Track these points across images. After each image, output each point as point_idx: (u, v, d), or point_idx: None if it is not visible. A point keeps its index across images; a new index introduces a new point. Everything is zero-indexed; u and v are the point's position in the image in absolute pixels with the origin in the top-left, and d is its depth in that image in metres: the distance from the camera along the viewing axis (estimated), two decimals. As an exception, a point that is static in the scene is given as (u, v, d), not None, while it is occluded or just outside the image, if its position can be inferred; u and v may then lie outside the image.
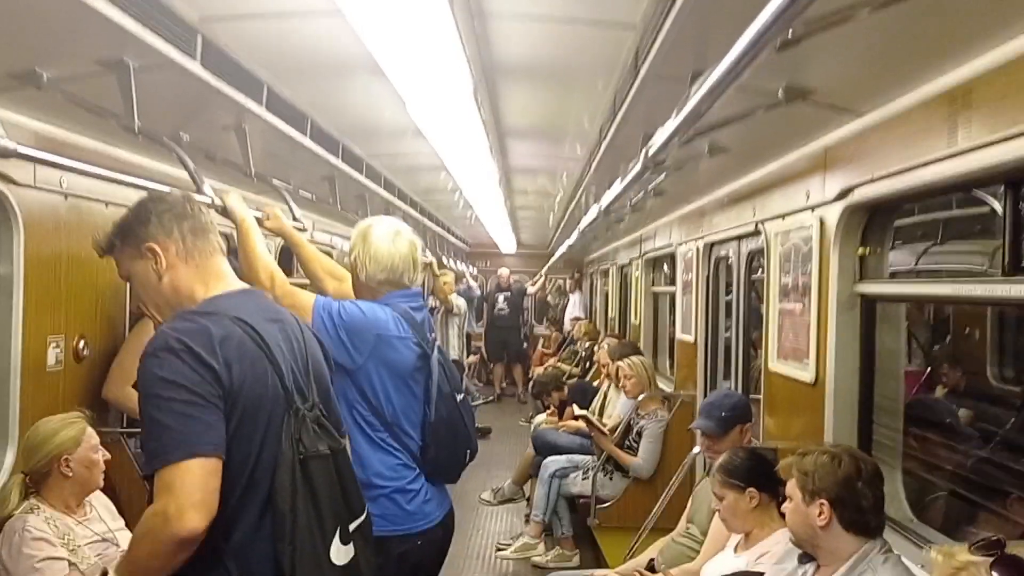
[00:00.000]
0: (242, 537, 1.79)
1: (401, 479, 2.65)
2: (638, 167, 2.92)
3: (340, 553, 1.87)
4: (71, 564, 2.71)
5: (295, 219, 4.12)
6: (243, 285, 2.05)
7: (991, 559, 1.58)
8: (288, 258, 5.43)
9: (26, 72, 2.55)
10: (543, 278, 14.61)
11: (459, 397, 2.82)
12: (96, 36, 2.36)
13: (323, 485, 1.86)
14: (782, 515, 2.54)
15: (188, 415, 1.70)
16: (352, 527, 1.93)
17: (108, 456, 2.92)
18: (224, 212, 2.88)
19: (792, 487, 2.39)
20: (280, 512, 1.78)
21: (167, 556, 1.69)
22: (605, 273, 11.52)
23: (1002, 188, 2.29)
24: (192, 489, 1.67)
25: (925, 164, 2.42)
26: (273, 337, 1.91)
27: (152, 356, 1.75)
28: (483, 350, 13.35)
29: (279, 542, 1.78)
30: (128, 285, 3.59)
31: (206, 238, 2.00)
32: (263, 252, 2.73)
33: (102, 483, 2.91)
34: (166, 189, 2.90)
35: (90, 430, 2.85)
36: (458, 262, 13.28)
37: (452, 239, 12.21)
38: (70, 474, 2.78)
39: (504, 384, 13.13)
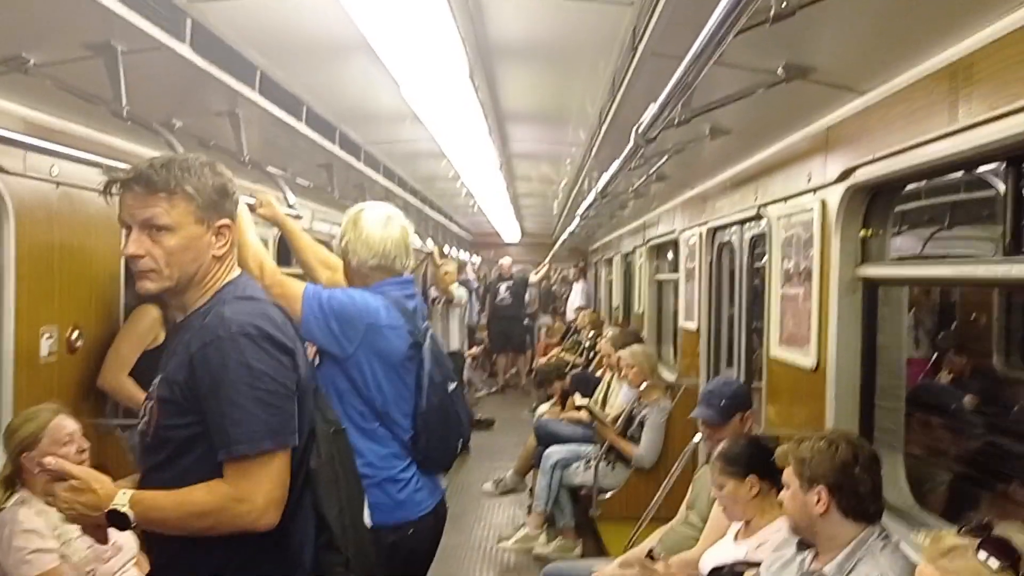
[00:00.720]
0: (289, 509, 1.81)
1: (391, 468, 2.63)
2: (630, 145, 2.87)
3: (368, 517, 2.04)
4: (62, 557, 2.69)
5: (289, 206, 4.09)
6: (245, 268, 2.09)
7: (977, 541, 1.55)
8: (286, 248, 5.42)
9: (12, 57, 2.52)
10: (547, 267, 14.56)
11: (451, 387, 2.78)
12: (82, 19, 2.33)
13: (347, 456, 2.00)
14: (782, 503, 2.50)
15: (273, 404, 1.73)
16: None
17: (85, 447, 2.81)
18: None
19: (789, 474, 2.35)
20: (327, 482, 1.88)
21: (224, 532, 1.72)
22: (609, 262, 11.47)
23: (1003, 166, 2.24)
24: (277, 484, 1.73)
25: (926, 142, 2.37)
26: None
27: (230, 341, 1.73)
28: (486, 340, 13.31)
29: (329, 510, 1.87)
30: (123, 274, 3.63)
31: None
32: (254, 240, 2.68)
33: None
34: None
35: (56, 424, 2.74)
36: (460, 252, 13.24)
37: (455, 228, 12.17)
38: (36, 471, 2.70)
39: (508, 375, 13.10)
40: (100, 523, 1.74)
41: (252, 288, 1.94)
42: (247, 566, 1.80)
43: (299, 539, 1.85)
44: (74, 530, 2.76)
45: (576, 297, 14.10)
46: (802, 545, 2.40)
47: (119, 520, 1.71)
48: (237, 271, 1.97)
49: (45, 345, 3.18)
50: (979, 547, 1.54)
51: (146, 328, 3.59)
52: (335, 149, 4.60)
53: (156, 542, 1.90)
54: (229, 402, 1.70)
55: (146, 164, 1.80)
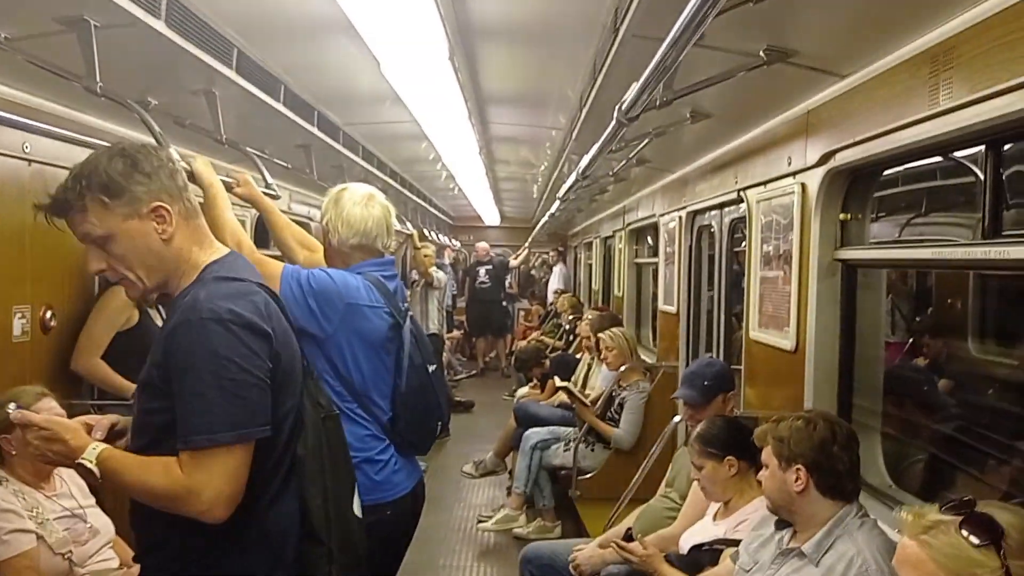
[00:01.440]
0: (271, 497, 1.80)
1: (370, 450, 2.61)
2: (612, 123, 2.87)
3: (357, 507, 1.97)
4: (39, 538, 2.66)
5: (267, 186, 4.05)
6: (223, 246, 1.97)
7: (960, 518, 1.56)
8: (264, 230, 5.37)
9: (-18, 31, 2.46)
10: (526, 251, 14.55)
11: (431, 368, 2.77)
12: (54, -10, 2.29)
13: (338, 443, 1.95)
14: (760, 483, 2.52)
15: (237, 395, 1.66)
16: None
17: None
18: (191, 178, 2.80)
19: (768, 454, 2.36)
20: (312, 471, 1.83)
21: (174, 512, 1.69)
22: (588, 246, 11.49)
23: (983, 149, 2.25)
24: (230, 479, 1.66)
25: (907, 125, 2.37)
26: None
27: (199, 325, 1.67)
28: (465, 324, 13.31)
29: (313, 499, 1.82)
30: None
31: (191, 195, 1.92)
32: (231, 219, 2.66)
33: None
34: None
35: (38, 408, 2.64)
36: (439, 235, 13.19)
37: (434, 211, 12.12)
38: (14, 452, 2.71)
39: (487, 358, 13.11)
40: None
41: (239, 267, 1.88)
42: (229, 552, 1.76)
43: (282, 527, 1.81)
44: (50, 511, 2.75)
45: (555, 280, 14.12)
46: (780, 524, 2.42)
47: (87, 473, 1.71)
48: (224, 250, 1.92)
49: (18, 325, 3.13)
50: (961, 524, 1.55)
51: (117, 309, 3.54)
52: (314, 130, 4.56)
53: (140, 526, 1.87)
54: (192, 390, 1.65)
55: (55, 191, 1.79)
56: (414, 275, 8.52)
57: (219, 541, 1.75)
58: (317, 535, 1.82)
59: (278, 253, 3.13)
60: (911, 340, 5.06)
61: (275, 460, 1.79)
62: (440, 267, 9.92)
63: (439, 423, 2.83)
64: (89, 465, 1.71)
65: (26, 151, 3.06)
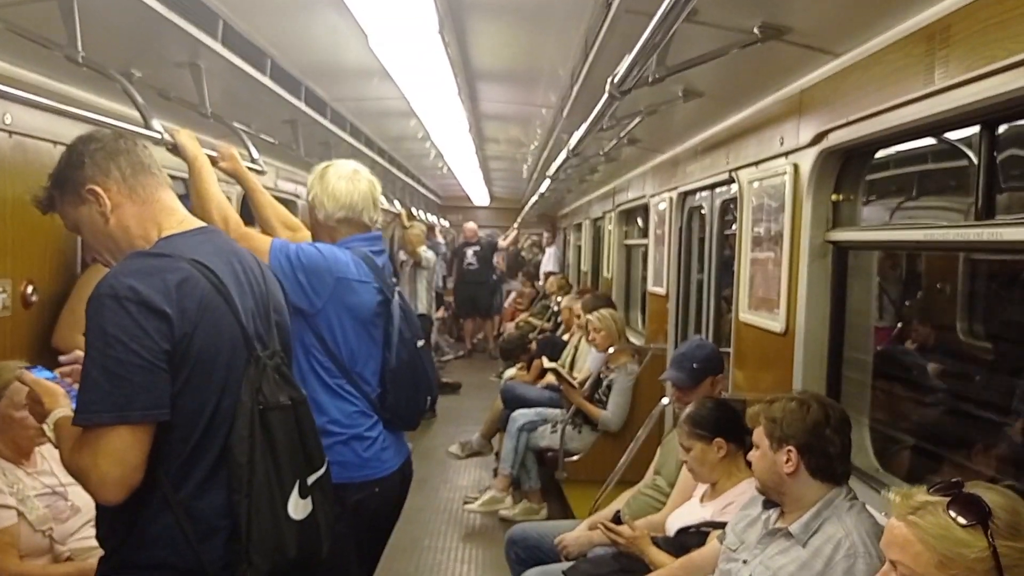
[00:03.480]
0: (194, 487, 1.73)
1: (358, 426, 2.59)
2: (604, 97, 2.83)
3: (298, 507, 1.82)
4: (19, 514, 2.63)
5: (253, 161, 3.99)
6: (198, 223, 1.93)
7: (947, 499, 1.56)
8: (248, 209, 5.31)
9: (-41, -2, 2.40)
10: (515, 232, 14.51)
11: (420, 343, 2.75)
12: (32, -44, 2.23)
13: (283, 437, 1.79)
14: (749, 464, 2.51)
15: (122, 375, 1.60)
16: (311, 480, 1.87)
17: None
18: (175, 150, 2.76)
19: (760, 434, 2.35)
20: (237, 464, 1.72)
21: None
22: (578, 227, 11.46)
23: (978, 129, 2.23)
24: (114, 462, 1.60)
25: (902, 105, 2.35)
26: (233, 280, 1.83)
27: (96, 301, 1.64)
28: (452, 305, 13.29)
29: (235, 494, 1.72)
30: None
31: (149, 172, 1.88)
32: (216, 192, 2.61)
33: (44, 440, 2.75)
34: (116, 124, 2.79)
35: (15, 386, 2.62)
36: (428, 215, 13.13)
37: (423, 191, 12.06)
38: None
39: (475, 340, 13.09)
40: None
41: (184, 244, 1.80)
42: (151, 539, 1.72)
43: (209, 519, 1.73)
44: (31, 488, 2.72)
45: (548, 262, 14.09)
46: (767, 504, 2.41)
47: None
48: (188, 227, 1.88)
49: (-2, 300, 3.08)
50: (949, 505, 1.55)
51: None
52: (301, 105, 4.50)
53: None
54: (84, 369, 1.62)
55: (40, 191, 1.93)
56: (402, 255, 8.48)
57: (142, 526, 1.72)
58: (237, 532, 1.73)
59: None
60: (899, 324, 5.07)
61: (193, 448, 1.72)
62: (434, 247, 9.91)
63: (428, 398, 2.81)
64: (47, 430, 1.75)
65: (6, 123, 3.00)
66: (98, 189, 1.82)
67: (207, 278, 1.75)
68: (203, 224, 1.95)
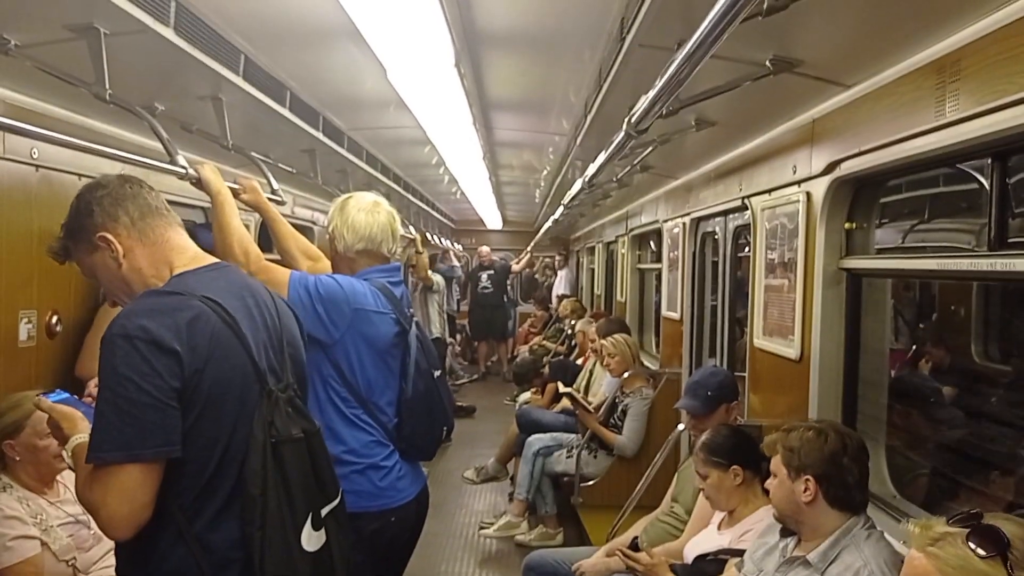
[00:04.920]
0: (208, 520, 1.76)
1: (374, 456, 2.62)
2: (620, 136, 2.87)
3: (311, 539, 1.83)
4: (43, 544, 2.66)
5: (273, 192, 4.05)
6: (210, 259, 1.97)
7: (967, 530, 1.57)
8: (267, 236, 5.37)
9: (-7, 38, 2.47)
10: (528, 255, 14.55)
11: (436, 374, 2.78)
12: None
13: (296, 470, 1.81)
14: (766, 492, 2.52)
15: (133, 414, 1.62)
16: (325, 511, 1.89)
17: None
18: (199, 184, 2.81)
19: (777, 463, 2.37)
20: (250, 497, 1.74)
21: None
22: (591, 250, 11.49)
23: (989, 161, 2.26)
24: (124, 500, 1.63)
25: (912, 136, 2.38)
26: (246, 315, 1.85)
27: (109, 342, 1.66)
28: (467, 328, 13.32)
29: (248, 526, 1.74)
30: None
31: (157, 214, 1.92)
32: (238, 226, 2.67)
33: (64, 466, 2.74)
34: (141, 160, 2.86)
35: (37, 415, 2.64)
36: (442, 239, 13.20)
37: (437, 215, 12.13)
38: (18, 458, 2.71)
39: (489, 363, 13.11)
40: None
41: (196, 281, 1.84)
42: (173, 572, 1.75)
43: (224, 552, 1.76)
44: (54, 518, 2.75)
45: (560, 285, 14.11)
46: (785, 532, 2.42)
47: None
48: (200, 263, 1.91)
49: (24, 330, 3.13)
50: (968, 536, 1.56)
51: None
52: (318, 135, 4.56)
53: None
54: (97, 406, 1.66)
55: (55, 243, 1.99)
56: (411, 279, 8.53)
57: (157, 560, 1.74)
58: (251, 564, 1.75)
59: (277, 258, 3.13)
60: (914, 348, 5.06)
61: (207, 482, 1.75)
62: (450, 271, 9.94)
63: (444, 429, 2.83)
64: (66, 456, 1.80)
65: (33, 156, 3.07)
66: (109, 236, 1.85)
67: (218, 314, 1.77)
68: (215, 260, 1.98)
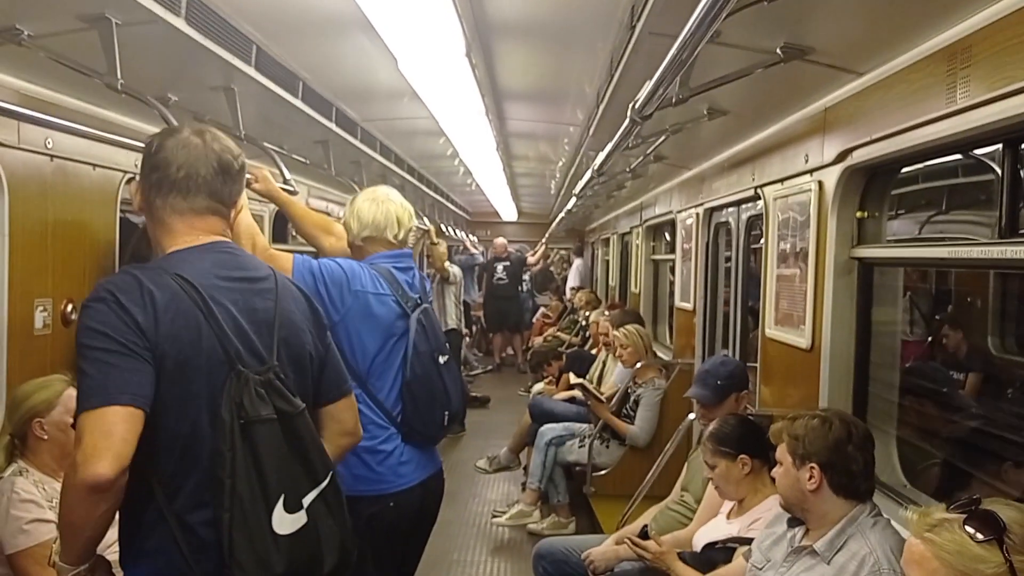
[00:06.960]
0: (186, 500, 1.77)
1: (372, 439, 2.63)
2: (626, 122, 2.87)
3: (284, 522, 1.79)
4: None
5: (285, 182, 4.07)
6: (211, 237, 1.94)
7: (964, 516, 1.58)
8: (283, 224, 5.39)
9: (6, 28, 2.49)
10: (543, 247, 14.54)
11: (442, 359, 2.80)
12: (77, -11, 2.32)
13: (268, 451, 1.78)
14: (774, 480, 2.52)
15: (108, 363, 1.67)
16: (313, 494, 1.86)
17: None
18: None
19: (782, 451, 2.37)
20: (216, 479, 1.74)
21: (83, 507, 1.65)
22: (606, 242, 11.47)
23: (1000, 147, 2.24)
24: (101, 435, 1.62)
25: (924, 124, 2.36)
26: (226, 295, 1.84)
27: (84, 307, 1.74)
28: (482, 319, 13.35)
29: (216, 508, 1.74)
30: (117, 247, 3.63)
31: (167, 196, 1.93)
32: (245, 216, 2.68)
33: None
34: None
35: (70, 392, 2.73)
36: (458, 231, 13.22)
37: (451, 207, 12.14)
38: (45, 437, 2.74)
39: (504, 354, 13.13)
40: None
41: (177, 260, 1.87)
42: (155, 551, 1.78)
43: (202, 534, 1.77)
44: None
45: (573, 277, 14.10)
46: (793, 521, 2.42)
47: None
48: (198, 241, 1.91)
49: (39, 318, 3.17)
50: (965, 521, 1.56)
51: None
52: (331, 126, 4.58)
53: None
54: (78, 368, 1.69)
55: None
56: (428, 271, 8.55)
57: (140, 538, 1.77)
58: (220, 545, 1.74)
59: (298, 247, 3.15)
60: (929, 338, 5.03)
61: (179, 461, 1.76)
62: (472, 259, 9.93)
63: (446, 413, 2.83)
64: None
65: (48, 146, 3.10)
66: (134, 179, 1.95)
67: (185, 292, 1.78)
68: (214, 239, 1.95)
